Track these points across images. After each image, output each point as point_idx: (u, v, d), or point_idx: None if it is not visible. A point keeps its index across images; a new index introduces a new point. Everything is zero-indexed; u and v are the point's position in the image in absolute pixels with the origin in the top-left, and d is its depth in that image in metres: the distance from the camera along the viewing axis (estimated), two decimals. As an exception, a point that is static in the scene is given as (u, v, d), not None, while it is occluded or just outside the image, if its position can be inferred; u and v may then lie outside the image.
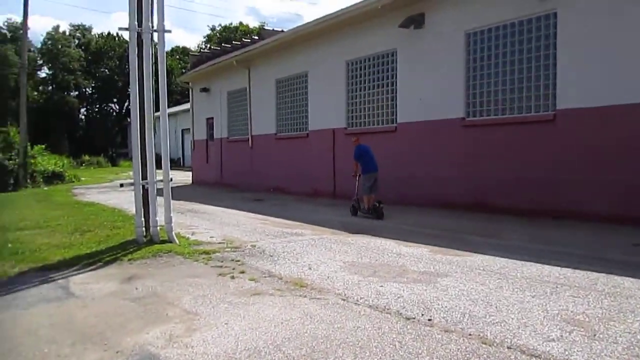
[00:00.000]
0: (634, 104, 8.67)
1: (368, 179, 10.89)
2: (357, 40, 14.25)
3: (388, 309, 4.62)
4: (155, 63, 7.97)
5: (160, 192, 8.17)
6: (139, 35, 7.69)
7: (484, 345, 3.68)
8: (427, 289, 5.24)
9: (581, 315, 4.30)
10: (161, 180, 8.16)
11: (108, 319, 4.55)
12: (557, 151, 9.74)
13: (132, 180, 8.07)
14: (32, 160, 24.22)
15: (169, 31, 7.87)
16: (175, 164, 40.66)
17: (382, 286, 5.40)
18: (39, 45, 55.98)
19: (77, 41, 59.75)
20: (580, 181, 9.37)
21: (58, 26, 58.96)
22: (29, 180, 23.36)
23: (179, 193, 18.85)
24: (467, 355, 3.52)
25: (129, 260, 6.90)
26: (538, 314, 4.36)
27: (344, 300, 4.96)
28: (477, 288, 5.23)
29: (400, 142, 12.97)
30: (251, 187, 19.06)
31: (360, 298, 5.00)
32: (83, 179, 27.98)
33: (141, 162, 7.79)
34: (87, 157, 45.38)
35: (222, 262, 6.79)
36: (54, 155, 29.49)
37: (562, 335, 3.84)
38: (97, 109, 61.60)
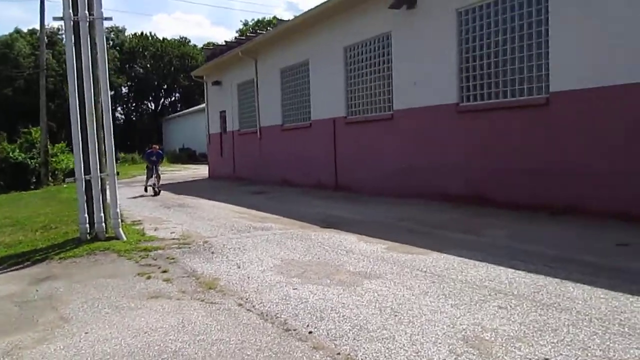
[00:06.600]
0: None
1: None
2: (352, 25, 13.52)
3: (276, 317, 4.04)
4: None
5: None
6: (77, 25, 7.23)
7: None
8: (343, 293, 4.62)
9: (490, 332, 3.57)
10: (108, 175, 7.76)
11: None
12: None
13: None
14: (53, 159, 24.59)
15: (109, 18, 7.44)
16: (205, 158, 40.72)
17: (295, 289, 4.82)
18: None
19: (111, 42, 60.96)
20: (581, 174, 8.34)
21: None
22: (50, 178, 23.71)
23: (185, 187, 18.71)
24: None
25: (60, 259, 6.57)
26: (440, 329, 3.67)
27: (240, 305, 4.42)
28: (399, 293, 4.57)
29: (397, 132, 12.19)
30: (261, 180, 18.63)
31: (260, 303, 4.44)
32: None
33: (83, 156, 7.37)
34: (122, 155, 46.21)
35: (155, 260, 6.37)
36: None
37: None
38: (133, 108, 62.78)
